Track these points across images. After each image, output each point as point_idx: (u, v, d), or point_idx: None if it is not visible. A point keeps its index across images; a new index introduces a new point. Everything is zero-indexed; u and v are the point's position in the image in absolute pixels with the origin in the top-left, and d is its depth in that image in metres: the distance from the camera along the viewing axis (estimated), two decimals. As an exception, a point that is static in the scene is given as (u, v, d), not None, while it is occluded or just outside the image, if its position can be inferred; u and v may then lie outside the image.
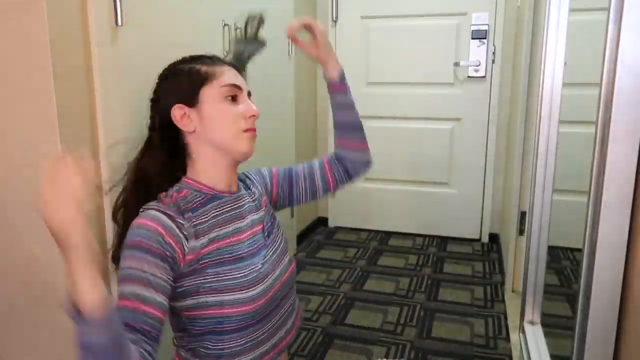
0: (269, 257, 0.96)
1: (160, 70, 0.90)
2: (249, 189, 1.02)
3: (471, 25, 2.73)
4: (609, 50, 0.82)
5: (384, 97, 2.97)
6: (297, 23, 1.02)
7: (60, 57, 0.86)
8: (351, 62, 2.99)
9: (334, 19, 3.00)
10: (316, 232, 3.13)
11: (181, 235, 0.83)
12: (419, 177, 3.00)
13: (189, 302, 0.86)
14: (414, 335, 1.90)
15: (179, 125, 0.90)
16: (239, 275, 0.88)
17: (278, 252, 0.99)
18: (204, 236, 0.87)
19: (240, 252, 0.90)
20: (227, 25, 1.44)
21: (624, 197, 0.82)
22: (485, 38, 2.71)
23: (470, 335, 1.90)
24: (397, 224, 3.08)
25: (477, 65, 2.75)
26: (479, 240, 2.95)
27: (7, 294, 0.98)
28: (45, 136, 0.87)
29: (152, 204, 0.86)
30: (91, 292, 0.60)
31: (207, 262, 0.86)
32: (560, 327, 1.48)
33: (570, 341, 0.98)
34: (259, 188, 1.04)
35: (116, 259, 0.87)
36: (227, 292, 0.86)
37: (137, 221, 0.82)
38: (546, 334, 1.61)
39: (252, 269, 0.90)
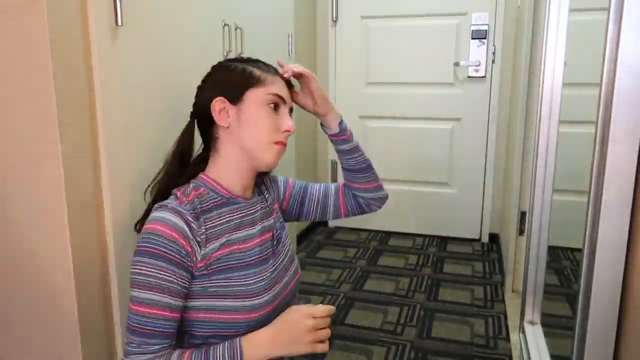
0: (277, 265, 0.96)
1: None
2: (263, 194, 1.02)
3: (471, 25, 2.73)
4: (609, 50, 0.82)
5: (384, 97, 2.97)
6: (289, 72, 0.96)
7: (60, 57, 0.86)
8: (351, 62, 3.00)
9: (334, 19, 3.00)
10: (316, 232, 3.13)
11: (195, 241, 0.84)
12: (419, 177, 3.00)
13: (194, 303, 0.86)
14: (414, 335, 1.90)
15: (215, 118, 0.91)
16: (247, 282, 0.89)
17: (286, 260, 1.00)
18: (215, 240, 0.88)
19: (249, 259, 0.91)
20: (227, 25, 1.44)
21: (624, 197, 0.82)
22: (485, 38, 2.71)
23: (470, 335, 1.90)
24: (397, 224, 3.08)
25: (477, 65, 2.75)
26: (479, 240, 2.95)
27: (7, 294, 0.97)
28: (45, 136, 0.87)
29: (169, 202, 0.86)
30: None
31: (215, 267, 0.87)
32: (560, 327, 1.48)
33: (570, 341, 0.98)
34: (272, 195, 1.05)
35: (138, 228, 0.93)
36: (234, 299, 0.87)
37: (156, 227, 0.82)
38: (546, 334, 1.61)
39: (259, 277, 0.91)
